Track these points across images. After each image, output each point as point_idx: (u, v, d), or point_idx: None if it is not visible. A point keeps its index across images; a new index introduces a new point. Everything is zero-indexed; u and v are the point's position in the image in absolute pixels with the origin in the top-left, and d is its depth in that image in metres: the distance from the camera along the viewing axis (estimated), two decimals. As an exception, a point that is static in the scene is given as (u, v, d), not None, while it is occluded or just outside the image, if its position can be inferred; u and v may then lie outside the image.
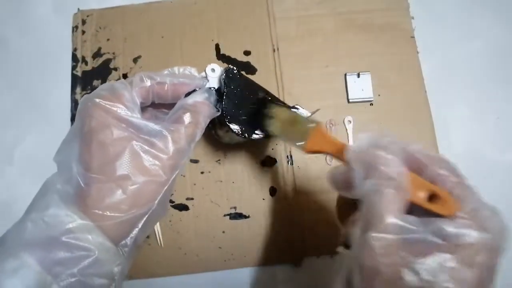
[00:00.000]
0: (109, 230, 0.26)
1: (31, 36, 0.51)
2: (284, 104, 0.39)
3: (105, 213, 0.26)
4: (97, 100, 0.28)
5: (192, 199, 0.44)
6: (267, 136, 0.37)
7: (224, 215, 0.44)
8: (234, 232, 0.43)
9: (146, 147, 0.28)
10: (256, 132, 0.37)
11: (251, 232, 0.43)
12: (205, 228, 0.43)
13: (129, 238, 0.27)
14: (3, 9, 0.52)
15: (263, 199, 0.44)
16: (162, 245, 0.43)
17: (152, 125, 0.29)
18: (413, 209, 0.24)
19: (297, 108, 0.39)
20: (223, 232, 0.43)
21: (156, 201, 0.28)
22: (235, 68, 0.36)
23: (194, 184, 0.44)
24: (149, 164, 0.28)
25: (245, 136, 0.36)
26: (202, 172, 0.45)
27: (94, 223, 0.25)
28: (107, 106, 0.28)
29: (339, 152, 0.29)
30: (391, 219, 0.22)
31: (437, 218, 0.23)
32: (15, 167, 0.47)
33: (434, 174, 0.24)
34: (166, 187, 0.28)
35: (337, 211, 0.32)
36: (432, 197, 0.24)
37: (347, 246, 0.29)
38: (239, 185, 0.44)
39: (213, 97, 0.35)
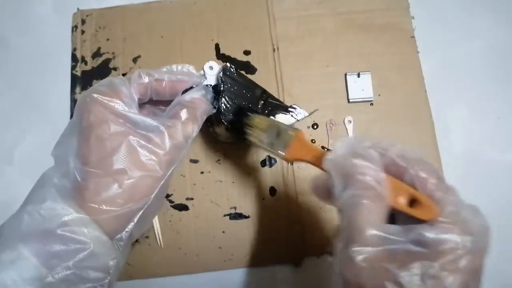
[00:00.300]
0: (105, 224, 0.26)
1: (31, 36, 0.51)
2: (281, 103, 0.39)
3: (101, 207, 0.26)
4: (96, 95, 0.28)
5: (192, 199, 0.44)
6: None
7: (224, 215, 0.44)
8: (234, 232, 0.43)
9: (143, 142, 0.28)
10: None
11: (251, 232, 0.43)
12: (205, 228, 0.43)
13: (124, 232, 0.27)
14: (3, 9, 0.52)
15: (263, 199, 0.44)
16: (162, 245, 0.43)
17: (149, 121, 0.29)
18: (395, 214, 0.24)
19: (294, 108, 0.39)
20: (223, 232, 0.43)
21: (152, 196, 0.28)
22: (233, 66, 0.36)
23: (194, 184, 0.44)
24: (145, 159, 0.28)
25: (240, 134, 0.36)
26: (202, 172, 0.45)
27: (90, 217, 0.26)
28: (105, 101, 0.28)
29: (318, 161, 0.28)
30: (371, 231, 0.22)
31: (417, 225, 0.22)
32: (15, 167, 0.47)
33: (414, 177, 0.24)
34: (163, 182, 0.28)
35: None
36: (413, 202, 0.23)
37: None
38: (239, 185, 0.44)
39: (210, 94, 0.35)
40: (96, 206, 0.26)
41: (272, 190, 0.44)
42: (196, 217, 0.44)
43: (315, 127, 0.46)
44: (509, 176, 0.46)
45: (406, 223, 0.23)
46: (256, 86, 0.38)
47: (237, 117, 0.36)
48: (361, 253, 0.21)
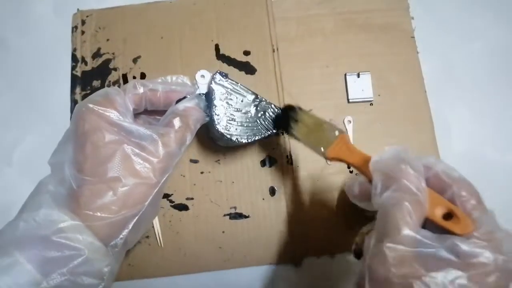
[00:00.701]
0: (99, 230, 0.26)
1: (31, 36, 0.51)
2: (274, 106, 0.39)
3: (96, 214, 0.26)
4: (91, 105, 0.29)
5: (192, 199, 0.44)
6: (256, 141, 0.38)
7: (224, 215, 0.44)
8: (234, 232, 0.43)
9: (137, 150, 0.29)
10: (248, 136, 0.37)
11: (251, 232, 0.43)
12: (205, 228, 0.43)
13: (119, 239, 0.27)
14: (3, 9, 0.52)
15: (263, 199, 0.44)
16: (162, 245, 0.43)
17: (142, 130, 0.29)
18: (427, 225, 0.24)
19: None
20: (223, 232, 0.43)
21: (147, 203, 0.28)
22: (223, 72, 0.37)
23: (194, 184, 0.44)
24: (139, 167, 0.28)
25: (234, 141, 0.36)
26: (202, 172, 0.45)
27: (85, 224, 0.26)
28: (100, 111, 0.29)
29: (360, 163, 0.30)
30: (407, 231, 0.23)
31: (452, 236, 0.23)
32: (14, 168, 0.47)
33: (455, 194, 0.25)
34: (157, 189, 0.29)
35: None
36: (448, 216, 0.24)
37: (357, 254, 0.30)
38: (239, 185, 0.44)
39: (203, 103, 0.35)
40: (91, 213, 0.26)
41: (272, 190, 0.44)
42: (196, 217, 0.44)
43: (315, 127, 0.46)
44: (509, 177, 0.46)
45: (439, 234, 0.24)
46: (248, 91, 0.38)
47: (284, 112, 0.37)
48: (394, 250, 0.22)
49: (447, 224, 0.24)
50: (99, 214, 0.26)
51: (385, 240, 0.23)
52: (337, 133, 0.33)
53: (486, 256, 0.22)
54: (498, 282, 0.21)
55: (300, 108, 0.37)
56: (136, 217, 0.28)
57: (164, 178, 0.29)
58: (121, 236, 0.27)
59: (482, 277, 0.21)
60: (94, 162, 0.27)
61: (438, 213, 0.24)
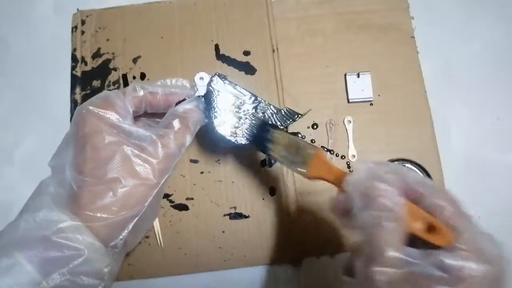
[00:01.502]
0: (99, 231, 0.26)
1: (31, 36, 0.51)
2: (276, 108, 0.39)
3: (96, 215, 0.26)
4: (91, 107, 0.29)
5: (192, 199, 0.44)
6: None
7: (224, 215, 0.44)
8: (234, 232, 0.43)
9: (137, 152, 0.29)
10: (247, 138, 0.37)
11: (251, 232, 0.43)
12: (205, 228, 0.43)
13: (119, 239, 0.28)
14: (3, 9, 0.52)
15: (263, 199, 0.44)
16: (162, 245, 0.43)
17: (142, 131, 0.30)
18: (413, 239, 0.24)
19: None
20: (223, 232, 0.43)
21: (146, 204, 0.28)
22: (222, 74, 0.37)
23: (194, 184, 0.44)
24: (139, 168, 0.28)
25: (233, 142, 0.36)
26: (202, 172, 0.45)
27: (85, 224, 0.26)
28: (100, 113, 0.29)
29: (338, 180, 0.29)
30: (392, 253, 0.22)
31: (436, 251, 0.23)
32: (15, 167, 0.47)
33: (432, 205, 0.25)
34: (156, 190, 0.29)
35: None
36: (431, 228, 0.24)
37: (349, 274, 0.29)
38: (239, 185, 0.44)
39: (202, 105, 0.36)
40: (91, 213, 0.26)
41: (272, 190, 0.44)
42: (196, 217, 0.44)
43: (315, 127, 0.46)
44: (509, 177, 0.46)
45: (424, 248, 0.23)
46: (247, 92, 0.38)
47: (259, 132, 0.36)
48: (382, 273, 0.22)
49: (430, 238, 0.24)
50: (99, 214, 0.26)
51: (371, 264, 0.22)
52: (313, 151, 0.32)
53: (471, 267, 0.21)
54: None
55: (274, 126, 0.36)
56: (136, 218, 0.28)
57: (164, 179, 0.30)
58: (121, 236, 0.28)
59: None
60: (94, 164, 0.28)
61: (418, 227, 0.24)
